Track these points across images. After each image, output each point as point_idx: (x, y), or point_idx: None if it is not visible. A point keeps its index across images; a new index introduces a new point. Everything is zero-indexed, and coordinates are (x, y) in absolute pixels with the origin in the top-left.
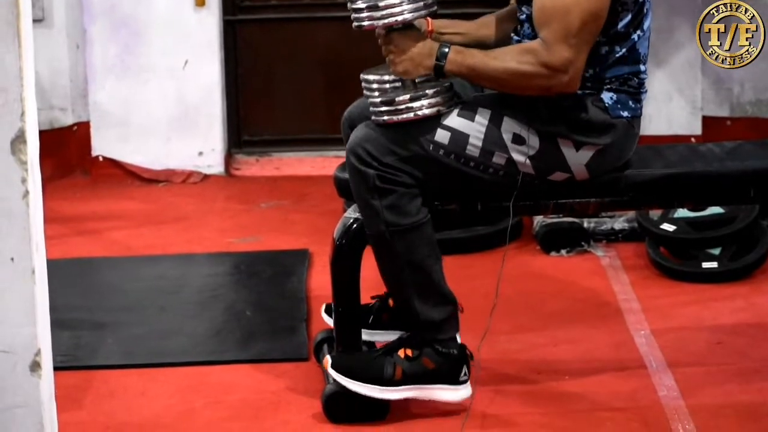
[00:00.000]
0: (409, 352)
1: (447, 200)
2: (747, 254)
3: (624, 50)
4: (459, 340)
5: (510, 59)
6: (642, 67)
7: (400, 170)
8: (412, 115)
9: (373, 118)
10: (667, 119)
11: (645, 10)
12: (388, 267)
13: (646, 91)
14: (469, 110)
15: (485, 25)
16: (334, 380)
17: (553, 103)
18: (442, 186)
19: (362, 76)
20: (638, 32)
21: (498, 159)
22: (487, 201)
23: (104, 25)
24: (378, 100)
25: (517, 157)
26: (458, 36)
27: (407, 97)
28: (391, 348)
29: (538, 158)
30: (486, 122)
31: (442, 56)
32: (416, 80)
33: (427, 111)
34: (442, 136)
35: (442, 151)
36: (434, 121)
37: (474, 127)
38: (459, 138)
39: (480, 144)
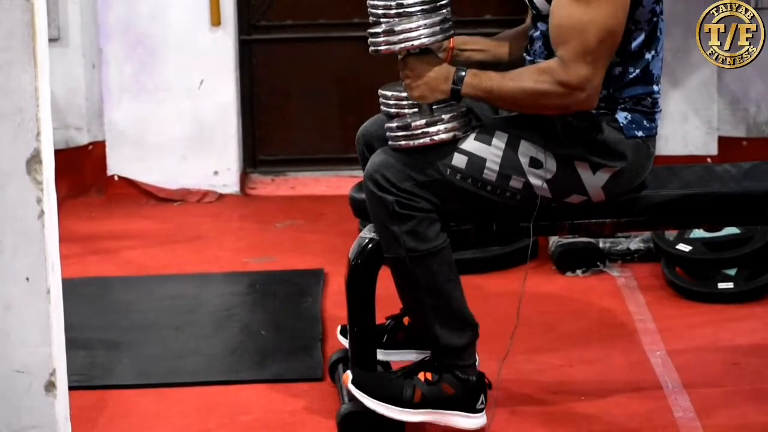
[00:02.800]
0: (429, 375)
1: (465, 223)
2: (763, 275)
3: (638, 71)
4: (477, 364)
5: (527, 79)
6: (655, 88)
7: (418, 196)
8: (428, 140)
9: (389, 142)
10: (683, 139)
11: (659, 30)
12: (408, 292)
13: (660, 111)
14: (485, 134)
15: (505, 43)
16: (350, 399)
17: (569, 125)
18: (460, 210)
19: (380, 91)
20: (652, 52)
21: (515, 183)
22: (503, 223)
23: (120, 45)
24: (394, 125)
25: (534, 180)
26: (478, 53)
27: (423, 122)
28: (412, 370)
29: (555, 182)
30: (503, 146)
31: (458, 80)
32: (433, 105)
33: (443, 136)
34: (459, 160)
35: (459, 175)
36: (451, 145)
37: (491, 151)
38: (476, 162)
39: (497, 168)
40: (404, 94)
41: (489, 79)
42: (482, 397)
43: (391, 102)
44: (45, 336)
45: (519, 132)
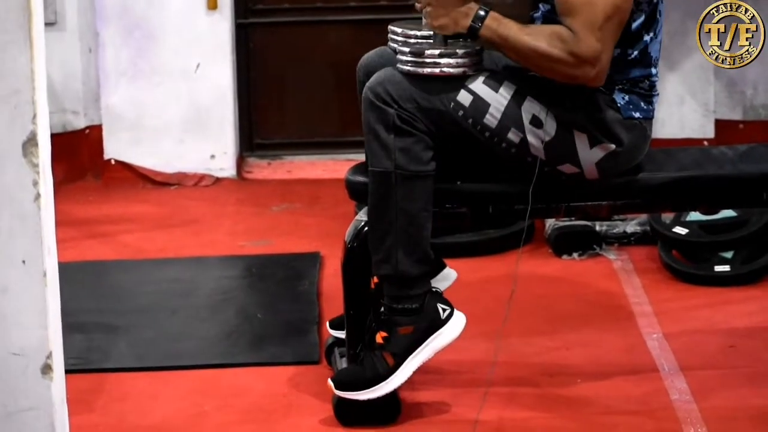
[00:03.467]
0: (383, 334)
1: (453, 158)
2: (760, 257)
3: (636, 52)
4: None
5: (542, 39)
6: (653, 70)
7: (417, 118)
8: (438, 70)
9: (398, 66)
10: (680, 122)
11: (658, 12)
12: (382, 209)
13: (657, 94)
14: (495, 80)
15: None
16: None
17: (575, 93)
18: (453, 146)
19: (390, 27)
20: (650, 34)
21: (513, 136)
22: (493, 171)
23: (117, 29)
24: (407, 49)
25: (532, 139)
26: None
27: (437, 52)
28: (368, 344)
29: (552, 145)
30: (509, 97)
31: (478, 19)
32: (447, 40)
33: (452, 70)
34: (464, 97)
35: (461, 112)
36: (459, 81)
37: (496, 98)
38: (480, 105)
39: (498, 116)
40: (413, 32)
41: (507, 27)
42: (440, 306)
43: (399, 38)
44: (41, 319)
45: (527, 88)
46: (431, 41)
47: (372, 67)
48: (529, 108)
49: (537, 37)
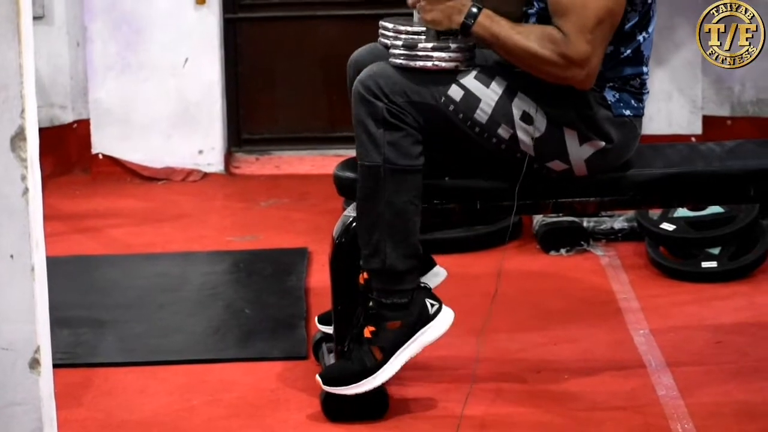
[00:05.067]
0: (371, 328)
1: (441, 153)
2: (747, 254)
3: (629, 51)
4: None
5: (533, 39)
6: (644, 69)
7: (407, 112)
8: (430, 64)
9: (390, 59)
10: (668, 118)
11: (651, 12)
12: (370, 203)
13: (648, 92)
14: (486, 75)
15: None
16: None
17: (565, 90)
18: (442, 141)
19: (381, 23)
20: (644, 34)
21: (503, 132)
22: (481, 167)
23: (105, 23)
24: (400, 42)
25: (522, 135)
26: None
27: (430, 45)
28: (356, 338)
29: (542, 142)
30: (500, 92)
31: (471, 16)
32: (440, 35)
33: (444, 64)
34: (455, 92)
35: (452, 107)
36: (451, 76)
37: (487, 94)
38: (471, 99)
39: (489, 112)
40: (404, 28)
41: (499, 25)
42: (428, 301)
43: (390, 34)
44: (29, 313)
45: (518, 84)
46: (423, 37)
47: (362, 63)
48: (520, 104)
49: (528, 37)
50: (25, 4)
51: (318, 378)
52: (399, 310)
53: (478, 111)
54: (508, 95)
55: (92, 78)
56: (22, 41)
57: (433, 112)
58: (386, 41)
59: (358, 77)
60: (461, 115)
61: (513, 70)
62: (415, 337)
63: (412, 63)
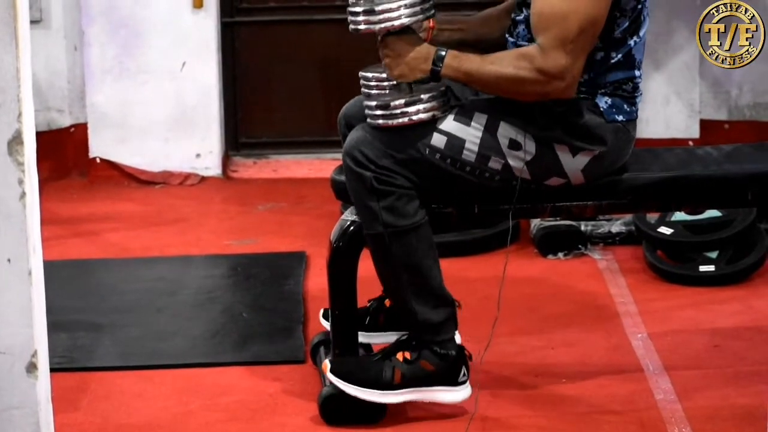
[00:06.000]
0: (407, 354)
1: (443, 204)
2: (744, 257)
3: (620, 56)
4: (459, 340)
5: (507, 64)
6: (637, 73)
7: (396, 173)
8: (407, 119)
9: (368, 120)
10: (665, 122)
11: (642, 17)
12: (386, 269)
13: (641, 95)
14: (465, 115)
15: (486, 22)
16: (332, 383)
17: (548, 108)
18: (439, 190)
19: (361, 73)
20: (635, 38)
21: (494, 164)
22: (483, 205)
23: (102, 27)
24: (373, 103)
25: (514, 162)
26: (459, 32)
27: (403, 101)
28: (389, 351)
29: (535, 164)
30: (482, 127)
31: (438, 60)
32: (412, 84)
33: (422, 116)
34: (438, 140)
35: (438, 155)
36: (430, 125)
37: (470, 132)
38: (455, 142)
39: (476, 149)
40: (384, 76)
41: (469, 61)
42: (464, 370)
43: (372, 83)
44: (26, 317)
45: (498, 113)
46: (399, 87)
47: (351, 117)
48: (505, 132)
49: (501, 63)
50: (22, 7)
51: (327, 363)
52: (440, 359)
53: (464, 151)
54: (491, 127)
55: (90, 82)
56: (20, 45)
57: (421, 166)
58: (369, 91)
59: (344, 148)
60: (449, 160)
61: (490, 100)
62: (435, 388)
63: (390, 122)
